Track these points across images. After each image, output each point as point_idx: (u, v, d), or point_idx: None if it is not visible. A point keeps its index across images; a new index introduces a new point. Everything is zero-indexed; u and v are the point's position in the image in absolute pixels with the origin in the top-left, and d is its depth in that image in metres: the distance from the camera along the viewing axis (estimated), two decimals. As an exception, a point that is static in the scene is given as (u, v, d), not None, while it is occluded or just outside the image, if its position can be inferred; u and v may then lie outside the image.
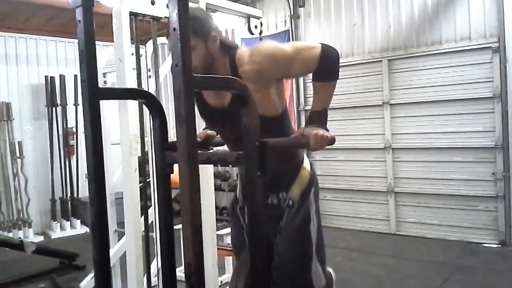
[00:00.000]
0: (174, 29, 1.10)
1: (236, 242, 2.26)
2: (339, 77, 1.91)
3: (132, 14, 2.61)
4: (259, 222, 1.41)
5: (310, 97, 6.10)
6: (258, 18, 3.65)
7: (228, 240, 3.77)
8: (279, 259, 2.00)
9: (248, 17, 3.58)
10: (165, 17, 2.68)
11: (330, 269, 2.28)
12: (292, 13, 6.20)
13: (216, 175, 6.11)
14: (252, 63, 1.81)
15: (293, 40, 6.09)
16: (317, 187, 2.10)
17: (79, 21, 1.18)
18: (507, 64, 4.64)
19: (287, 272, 2.00)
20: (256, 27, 3.62)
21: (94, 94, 1.24)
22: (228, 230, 3.53)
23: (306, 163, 2.09)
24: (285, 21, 6.33)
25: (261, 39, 3.63)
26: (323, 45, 1.85)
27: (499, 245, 4.77)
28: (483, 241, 4.88)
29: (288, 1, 6.19)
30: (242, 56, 1.86)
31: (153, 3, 2.66)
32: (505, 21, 4.62)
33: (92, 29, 1.19)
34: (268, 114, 1.84)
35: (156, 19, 2.75)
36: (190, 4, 1.57)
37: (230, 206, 2.29)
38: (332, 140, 1.78)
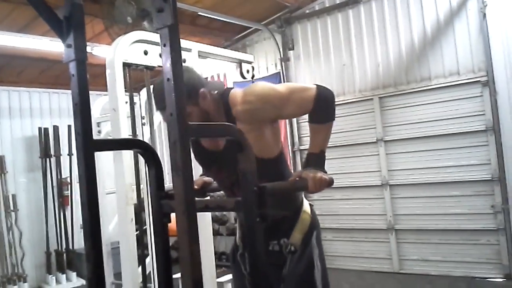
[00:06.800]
0: (168, 79, 1.09)
1: None
2: (333, 117, 1.90)
3: (126, 65, 2.64)
4: (261, 270, 1.36)
5: (304, 136, 6.13)
6: (250, 63, 3.70)
7: (228, 287, 3.67)
8: None
9: (240, 62, 3.63)
10: (159, 66, 2.71)
11: None
12: (282, 56, 6.31)
13: (214, 219, 6.03)
14: (245, 103, 1.81)
15: (284, 81, 6.16)
16: (319, 230, 2.05)
17: (73, 75, 1.17)
18: (497, 97, 4.71)
19: None
20: (248, 71, 3.67)
21: (88, 146, 1.22)
22: (229, 276, 3.45)
23: (306, 206, 2.04)
24: (276, 64, 6.44)
25: (253, 82, 3.67)
26: (318, 86, 1.85)
27: (504, 279, 4.69)
28: (488, 276, 4.80)
29: (278, 45, 6.31)
30: (235, 96, 1.86)
31: (146, 53, 2.69)
32: (492, 55, 4.71)
33: (86, 83, 1.18)
34: (262, 156, 1.81)
35: (149, 68, 2.77)
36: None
37: (231, 254, 2.22)
38: (330, 182, 1.76)
